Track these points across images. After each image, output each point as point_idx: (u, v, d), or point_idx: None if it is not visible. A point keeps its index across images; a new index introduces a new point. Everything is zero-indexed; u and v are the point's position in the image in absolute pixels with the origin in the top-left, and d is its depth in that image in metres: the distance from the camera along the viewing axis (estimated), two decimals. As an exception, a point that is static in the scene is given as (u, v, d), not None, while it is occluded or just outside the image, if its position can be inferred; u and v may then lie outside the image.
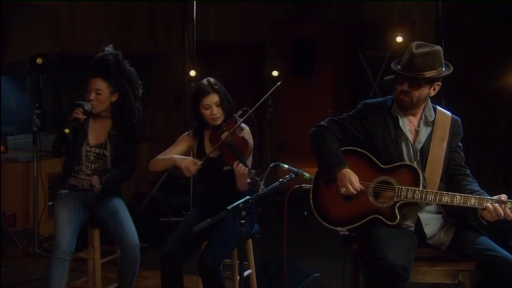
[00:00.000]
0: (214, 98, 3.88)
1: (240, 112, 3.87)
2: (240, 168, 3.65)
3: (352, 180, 3.40)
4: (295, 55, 10.06)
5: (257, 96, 6.25)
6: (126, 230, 4.07)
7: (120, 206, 4.22)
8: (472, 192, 3.29)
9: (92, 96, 4.08)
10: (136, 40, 7.52)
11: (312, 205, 3.52)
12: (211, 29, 7.86)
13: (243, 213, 3.06)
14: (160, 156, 4.04)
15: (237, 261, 4.01)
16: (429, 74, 3.36)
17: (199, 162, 3.79)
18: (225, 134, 3.79)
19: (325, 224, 3.48)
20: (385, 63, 8.18)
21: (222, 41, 8.11)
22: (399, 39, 6.91)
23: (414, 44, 3.42)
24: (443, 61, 3.42)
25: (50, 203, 5.90)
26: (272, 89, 3.90)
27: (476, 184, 3.39)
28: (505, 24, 6.82)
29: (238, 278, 4.01)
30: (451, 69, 3.44)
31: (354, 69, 8.38)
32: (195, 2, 6.38)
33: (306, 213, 3.56)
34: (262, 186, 3.16)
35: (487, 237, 3.32)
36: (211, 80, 3.99)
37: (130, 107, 4.17)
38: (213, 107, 3.87)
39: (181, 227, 3.99)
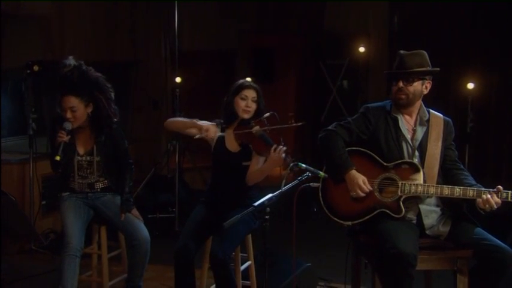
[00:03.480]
0: (253, 93, 3.89)
1: (267, 114, 3.75)
2: (280, 151, 3.55)
3: (360, 184, 3.43)
4: (261, 63, 10.04)
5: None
6: (137, 226, 4.02)
7: None
8: (470, 185, 3.36)
9: (69, 114, 3.90)
10: (119, 48, 7.49)
11: (322, 202, 3.52)
12: (185, 39, 7.78)
13: (268, 209, 3.02)
14: (181, 119, 4.02)
15: (240, 254, 4.03)
16: (418, 69, 3.47)
17: (219, 132, 3.79)
18: (257, 127, 3.71)
19: (335, 219, 3.48)
20: (343, 71, 8.31)
21: (195, 50, 8.07)
22: (361, 49, 6.97)
23: (401, 51, 3.56)
24: (429, 63, 3.53)
25: (44, 202, 5.81)
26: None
27: (471, 178, 3.46)
28: (456, 35, 6.97)
29: (241, 268, 4.04)
30: (438, 69, 3.54)
31: (315, 76, 8.43)
32: (176, 13, 6.31)
33: (315, 209, 3.54)
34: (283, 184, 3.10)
35: (481, 228, 3.39)
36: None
37: (106, 113, 4.00)
38: (249, 100, 3.87)
39: (190, 223, 3.91)
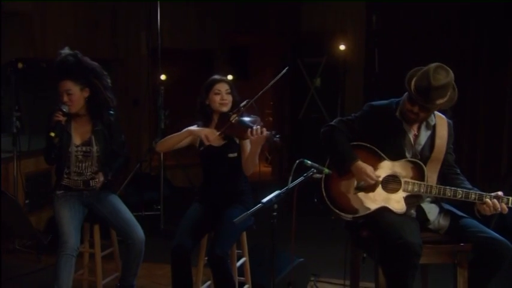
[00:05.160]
0: (225, 86, 3.90)
1: (244, 103, 3.76)
2: (257, 131, 3.53)
3: (368, 172, 3.40)
4: (240, 61, 10.02)
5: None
6: (132, 225, 3.94)
7: (119, 203, 4.07)
8: (468, 189, 3.33)
9: (65, 98, 3.88)
10: (100, 46, 7.41)
11: (324, 194, 3.48)
12: (165, 38, 7.70)
13: (275, 206, 2.96)
14: (172, 135, 3.88)
15: (235, 251, 3.98)
16: (439, 101, 3.27)
17: (217, 133, 3.71)
18: (234, 116, 3.70)
19: (337, 211, 3.44)
20: (320, 69, 8.31)
21: (175, 49, 8.00)
22: (342, 47, 6.95)
23: (432, 69, 3.24)
24: (451, 88, 3.31)
25: (27, 201, 5.70)
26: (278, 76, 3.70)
27: (468, 183, 3.44)
28: (433, 35, 7.00)
29: (237, 265, 3.98)
30: (456, 91, 3.34)
31: (293, 74, 8.40)
32: (159, 12, 6.22)
33: (316, 200, 3.49)
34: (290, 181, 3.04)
35: (475, 220, 3.38)
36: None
37: (103, 97, 3.96)
38: (223, 93, 3.87)
39: (186, 220, 3.84)
